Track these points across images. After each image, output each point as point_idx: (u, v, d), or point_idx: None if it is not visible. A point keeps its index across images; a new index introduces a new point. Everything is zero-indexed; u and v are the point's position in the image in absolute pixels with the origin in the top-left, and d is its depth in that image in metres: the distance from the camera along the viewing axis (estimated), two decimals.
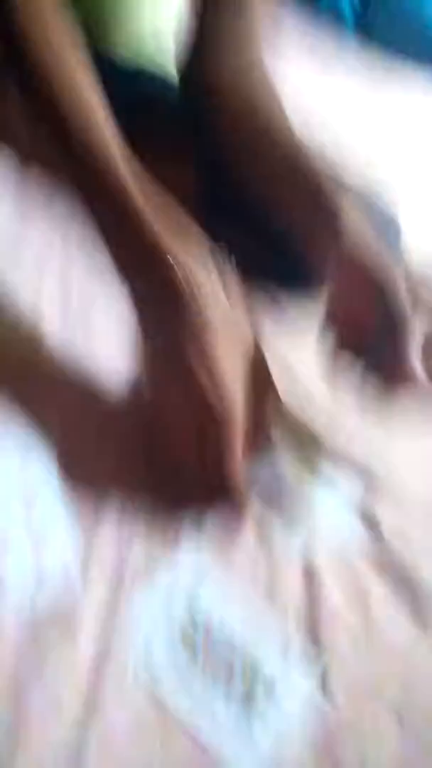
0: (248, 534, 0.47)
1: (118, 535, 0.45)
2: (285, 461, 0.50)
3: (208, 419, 0.44)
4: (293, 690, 0.40)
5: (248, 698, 0.39)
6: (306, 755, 0.38)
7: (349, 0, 1.23)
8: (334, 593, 0.44)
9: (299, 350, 0.55)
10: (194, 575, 0.44)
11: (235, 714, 0.39)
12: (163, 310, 0.45)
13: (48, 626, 0.40)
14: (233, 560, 0.45)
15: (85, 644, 0.40)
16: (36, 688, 0.37)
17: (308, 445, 0.51)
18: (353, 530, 0.48)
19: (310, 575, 0.45)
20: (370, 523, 0.49)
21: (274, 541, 0.47)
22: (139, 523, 0.46)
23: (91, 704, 0.37)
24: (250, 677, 0.40)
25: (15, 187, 0.66)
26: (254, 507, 0.47)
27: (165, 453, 0.47)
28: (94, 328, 0.55)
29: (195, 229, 0.48)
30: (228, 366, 0.45)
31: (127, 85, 0.72)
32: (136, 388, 0.50)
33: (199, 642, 0.41)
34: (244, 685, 0.40)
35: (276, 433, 0.50)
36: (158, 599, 0.43)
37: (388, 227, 0.60)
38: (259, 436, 0.47)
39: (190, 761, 0.37)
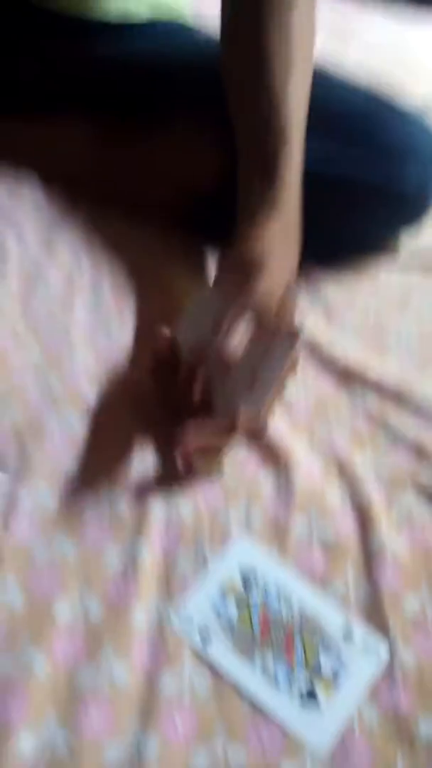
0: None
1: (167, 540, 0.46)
2: None
3: None
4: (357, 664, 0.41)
5: (312, 672, 0.40)
6: (375, 727, 0.38)
7: None
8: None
9: None
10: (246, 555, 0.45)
11: (299, 690, 0.39)
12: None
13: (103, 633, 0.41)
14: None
15: (139, 643, 0.41)
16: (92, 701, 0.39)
17: None
18: None
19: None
20: None
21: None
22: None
23: (149, 706, 0.39)
24: (312, 650, 0.41)
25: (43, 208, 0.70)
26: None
27: None
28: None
29: None
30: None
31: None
32: None
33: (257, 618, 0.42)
34: (306, 663, 0.40)
35: None
36: (212, 586, 0.44)
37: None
38: None
39: (256, 743, 0.38)
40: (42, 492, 0.48)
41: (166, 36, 0.79)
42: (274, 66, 0.57)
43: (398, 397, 0.58)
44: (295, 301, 0.58)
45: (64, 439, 0.51)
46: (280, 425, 0.55)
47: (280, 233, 0.56)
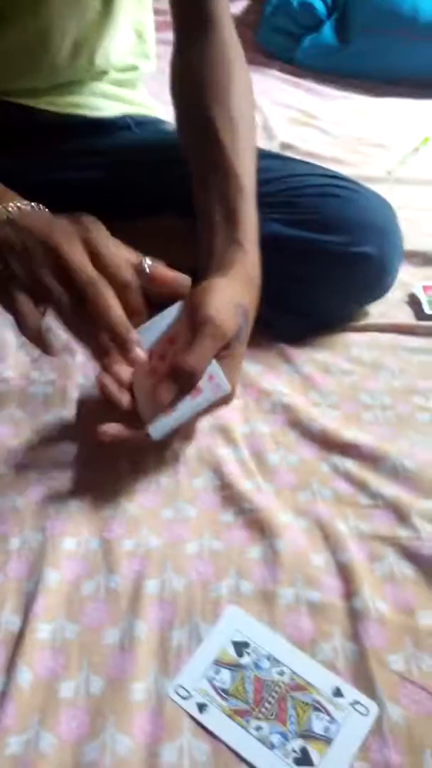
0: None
1: (161, 615, 0.49)
2: None
3: None
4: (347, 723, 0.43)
5: (304, 733, 0.42)
6: None
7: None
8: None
9: None
10: (238, 625, 0.48)
11: (293, 751, 0.41)
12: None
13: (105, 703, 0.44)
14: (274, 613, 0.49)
15: (139, 715, 0.43)
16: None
17: None
18: None
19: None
20: None
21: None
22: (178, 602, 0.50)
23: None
24: (304, 712, 0.43)
25: None
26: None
27: None
28: None
29: None
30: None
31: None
32: None
33: (250, 685, 0.45)
34: (299, 725, 0.43)
35: None
36: (206, 657, 0.46)
37: None
38: None
39: None
40: (51, 576, 0.51)
41: (141, 128, 0.87)
42: (223, 138, 0.65)
43: (375, 460, 0.61)
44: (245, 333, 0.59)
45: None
46: (264, 493, 0.58)
47: (244, 270, 0.60)
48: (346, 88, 1.55)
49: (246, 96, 0.70)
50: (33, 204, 0.56)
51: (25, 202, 0.56)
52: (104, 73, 0.85)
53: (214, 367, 0.54)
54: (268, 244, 0.71)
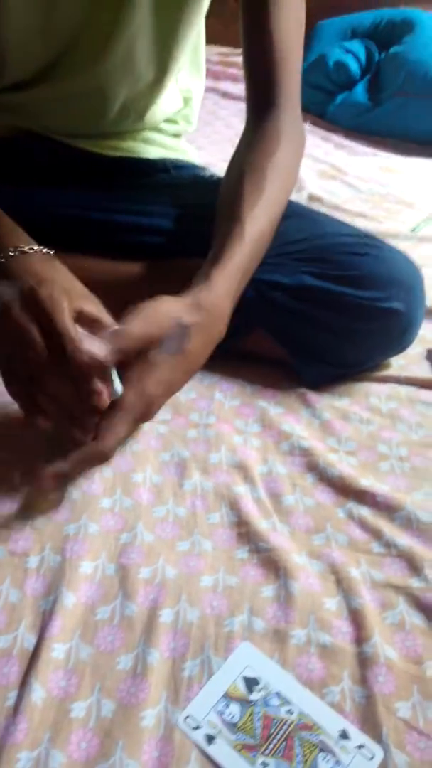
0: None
1: (175, 645, 0.50)
2: None
3: None
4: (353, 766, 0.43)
5: None
6: None
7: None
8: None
9: None
10: (250, 661, 0.49)
11: None
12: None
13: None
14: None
15: (149, 741, 0.44)
16: None
17: None
18: None
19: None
20: None
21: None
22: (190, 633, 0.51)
23: None
24: (311, 751, 0.44)
25: None
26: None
27: None
28: None
29: None
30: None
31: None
32: None
33: (258, 721, 0.45)
34: (305, 764, 0.43)
35: None
36: (217, 690, 0.47)
37: None
38: None
39: None
40: (68, 598, 0.52)
41: (179, 172, 0.90)
42: (244, 195, 0.69)
43: (390, 510, 0.63)
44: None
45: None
46: (279, 533, 0.60)
47: (199, 297, 0.63)
48: (375, 145, 1.60)
49: (283, 173, 0.73)
50: (37, 248, 0.61)
51: (29, 246, 0.61)
52: (149, 128, 0.89)
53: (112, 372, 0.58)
54: (297, 294, 0.74)
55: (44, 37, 0.73)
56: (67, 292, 0.57)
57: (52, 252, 0.62)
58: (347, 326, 0.74)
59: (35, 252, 0.60)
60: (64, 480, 0.61)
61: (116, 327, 0.57)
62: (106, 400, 0.58)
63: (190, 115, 0.95)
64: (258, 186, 0.70)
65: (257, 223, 0.68)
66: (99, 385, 0.57)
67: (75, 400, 0.57)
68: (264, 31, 0.75)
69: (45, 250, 0.61)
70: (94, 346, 0.55)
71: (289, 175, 0.75)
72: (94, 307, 0.59)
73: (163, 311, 0.60)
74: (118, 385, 0.57)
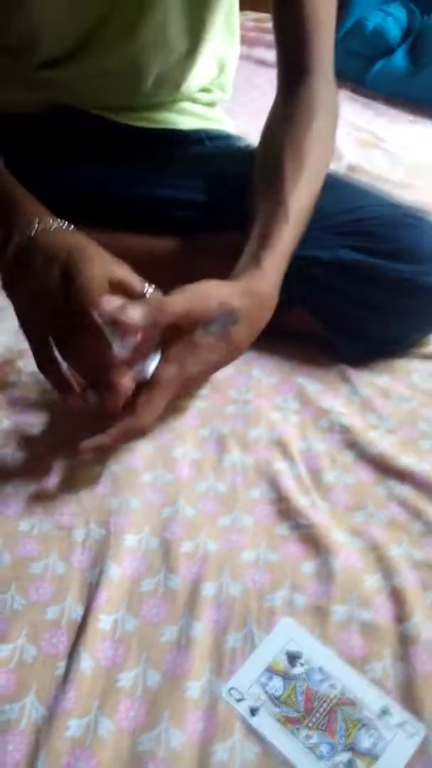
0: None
1: (217, 618, 0.51)
2: None
3: None
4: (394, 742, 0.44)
5: (352, 747, 0.44)
6: None
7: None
8: None
9: None
10: (292, 636, 0.50)
11: (341, 763, 0.43)
12: None
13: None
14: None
15: (193, 712, 0.45)
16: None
17: None
18: None
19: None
20: None
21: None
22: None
23: None
24: (353, 727, 0.45)
25: None
26: None
27: None
28: None
29: None
30: None
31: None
32: None
33: (301, 694, 0.46)
34: (347, 738, 0.44)
35: None
36: (260, 663, 0.48)
37: None
38: None
39: None
40: (113, 570, 0.53)
41: (214, 143, 0.89)
42: (285, 173, 0.68)
43: (431, 489, 0.62)
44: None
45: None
46: (319, 510, 0.60)
47: (250, 283, 0.62)
48: (415, 112, 1.56)
49: (321, 145, 0.72)
50: (58, 221, 0.61)
51: (51, 219, 0.61)
52: (183, 98, 0.88)
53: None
54: (337, 270, 0.72)
55: (75, 13, 0.73)
56: (98, 258, 0.58)
57: (72, 227, 0.62)
58: (386, 301, 0.73)
59: (61, 227, 0.61)
60: (104, 453, 0.62)
61: (159, 297, 0.57)
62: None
63: (225, 83, 0.94)
64: (299, 161, 0.69)
65: (300, 202, 0.67)
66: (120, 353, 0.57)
67: (99, 361, 0.57)
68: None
69: (69, 225, 0.62)
70: (134, 311, 0.55)
71: (327, 145, 0.74)
72: (124, 273, 0.59)
73: (212, 293, 0.59)
74: (150, 366, 0.58)
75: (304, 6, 0.73)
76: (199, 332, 0.59)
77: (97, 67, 0.78)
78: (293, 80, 0.75)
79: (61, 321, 0.57)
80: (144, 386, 0.59)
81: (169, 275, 0.82)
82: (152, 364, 0.59)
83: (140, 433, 0.59)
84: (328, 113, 0.74)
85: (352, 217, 0.75)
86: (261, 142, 0.76)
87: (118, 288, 0.58)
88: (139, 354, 0.58)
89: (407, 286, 0.72)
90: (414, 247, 0.72)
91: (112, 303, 0.56)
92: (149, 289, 0.59)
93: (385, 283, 0.72)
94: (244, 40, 1.91)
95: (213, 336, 0.59)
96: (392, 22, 1.62)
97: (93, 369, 0.59)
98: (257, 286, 0.62)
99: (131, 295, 0.58)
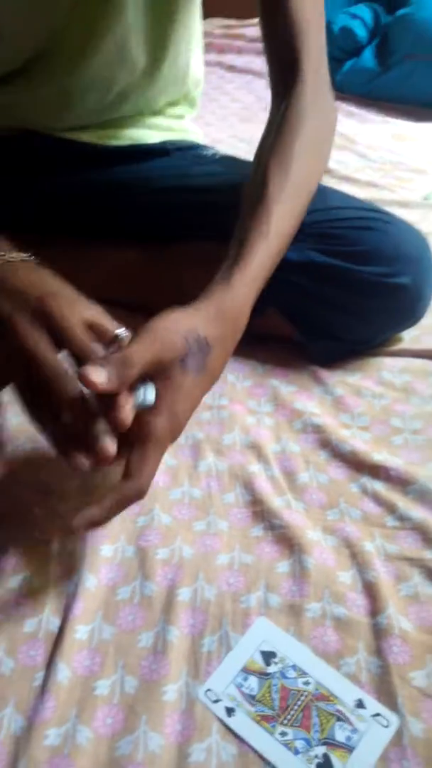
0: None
1: (193, 622, 0.52)
2: None
3: None
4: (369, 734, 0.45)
5: (327, 741, 0.44)
6: None
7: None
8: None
9: None
10: (266, 635, 0.50)
11: (316, 757, 0.44)
12: None
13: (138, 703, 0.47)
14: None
15: (171, 715, 0.46)
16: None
17: None
18: None
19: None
20: None
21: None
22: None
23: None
24: (327, 721, 0.45)
25: None
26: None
27: None
28: None
29: None
30: None
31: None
32: None
33: (276, 692, 0.47)
34: (322, 733, 0.45)
35: None
36: (235, 663, 0.49)
37: None
38: None
39: None
40: (90, 580, 0.54)
41: (180, 154, 0.90)
42: (270, 187, 0.64)
43: (404, 483, 0.63)
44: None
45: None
46: (294, 510, 0.61)
47: (217, 305, 0.58)
48: (386, 111, 1.57)
49: (310, 155, 0.69)
50: (22, 255, 0.57)
51: (14, 254, 0.57)
52: (149, 113, 0.89)
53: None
54: (304, 270, 0.73)
55: (31, 28, 0.72)
56: (73, 302, 0.54)
57: (33, 258, 0.59)
58: (355, 302, 0.74)
59: (23, 260, 0.57)
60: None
61: (121, 353, 0.51)
62: (127, 419, 0.51)
63: (194, 99, 0.95)
64: (284, 175, 0.65)
65: (283, 217, 0.64)
66: (123, 403, 0.51)
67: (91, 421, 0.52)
68: (281, 5, 0.71)
69: (30, 257, 0.58)
70: (98, 374, 0.49)
71: (318, 150, 0.70)
72: (97, 314, 0.56)
73: (178, 327, 0.55)
74: (149, 395, 0.53)
75: (291, 10, 0.71)
76: (177, 371, 0.54)
77: (57, 86, 0.79)
78: (282, 89, 0.73)
79: (36, 372, 0.52)
80: (136, 443, 0.53)
81: (143, 286, 0.84)
82: (147, 392, 0.53)
83: (140, 496, 0.52)
84: (319, 116, 0.71)
85: (320, 220, 0.75)
86: (255, 156, 0.73)
87: (91, 329, 0.55)
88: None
89: (374, 288, 0.73)
90: (378, 249, 0.73)
91: (97, 374, 0.49)
92: (122, 332, 0.56)
93: (352, 285, 0.73)
94: (213, 47, 1.93)
95: (192, 371, 0.55)
96: (358, 23, 1.64)
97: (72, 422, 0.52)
98: (225, 305, 0.59)
99: (104, 337, 0.56)
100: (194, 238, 0.80)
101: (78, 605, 0.52)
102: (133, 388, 0.53)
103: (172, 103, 0.92)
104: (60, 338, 0.52)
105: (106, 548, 0.57)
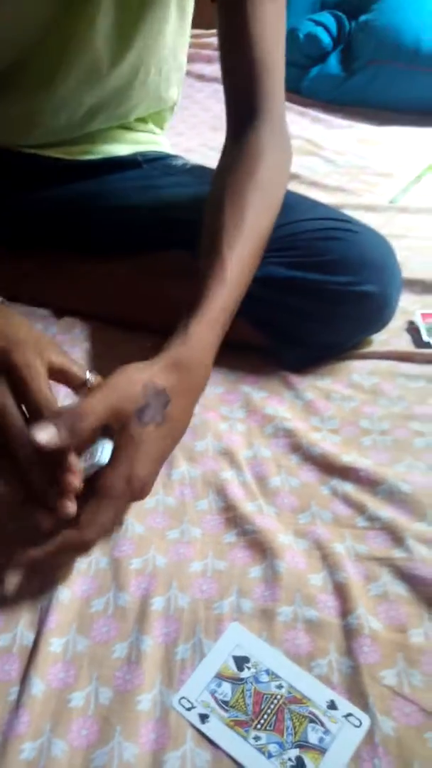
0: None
1: (167, 630, 0.53)
2: None
3: None
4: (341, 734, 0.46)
5: (300, 743, 0.45)
6: None
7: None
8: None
9: None
10: (239, 641, 0.51)
11: (289, 760, 0.44)
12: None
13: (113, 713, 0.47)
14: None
15: (145, 724, 0.46)
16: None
17: None
18: None
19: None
20: None
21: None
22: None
23: None
24: (300, 723, 0.46)
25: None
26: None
27: None
28: None
29: None
30: None
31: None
32: None
33: (250, 697, 0.47)
34: (295, 736, 0.46)
35: None
36: (209, 670, 0.49)
37: None
38: None
39: None
40: (64, 593, 0.54)
41: (150, 166, 0.90)
42: (225, 230, 0.64)
43: (373, 484, 0.64)
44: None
45: None
46: (266, 515, 0.61)
47: (175, 355, 0.58)
48: (351, 117, 1.59)
49: (266, 196, 0.68)
50: None
51: None
52: (118, 127, 0.89)
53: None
54: (267, 285, 0.73)
55: (9, 37, 0.72)
56: (38, 350, 0.54)
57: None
58: (321, 311, 0.75)
59: None
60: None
61: (74, 407, 0.51)
62: (74, 483, 0.51)
63: (163, 120, 0.95)
64: (239, 213, 0.65)
65: (239, 259, 0.63)
66: (72, 465, 0.51)
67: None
68: (242, 36, 0.70)
69: None
70: (45, 432, 0.48)
71: (273, 194, 0.70)
72: (61, 357, 0.56)
73: (134, 378, 0.54)
74: (101, 455, 0.52)
75: (253, 49, 0.70)
76: (135, 424, 0.53)
77: (21, 106, 0.79)
78: (241, 125, 0.72)
79: (18, 438, 0.52)
80: (90, 497, 0.52)
81: (123, 299, 0.84)
82: (107, 450, 0.53)
83: (83, 548, 0.53)
84: (275, 158, 0.71)
85: (283, 232, 0.74)
86: (208, 197, 0.72)
87: (59, 375, 0.56)
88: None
89: (340, 297, 0.74)
90: (344, 258, 0.74)
91: (44, 431, 0.49)
92: (91, 377, 0.57)
93: (318, 295, 0.74)
94: None
95: (151, 424, 0.54)
96: (323, 30, 1.66)
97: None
98: (182, 355, 0.58)
99: (72, 383, 0.57)
100: (168, 249, 0.81)
101: (52, 618, 0.52)
102: (87, 446, 0.52)
103: (142, 120, 0.92)
104: (20, 391, 0.52)
105: (81, 560, 0.57)
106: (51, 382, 0.56)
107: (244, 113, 0.73)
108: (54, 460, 0.51)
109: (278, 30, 0.72)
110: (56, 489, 0.51)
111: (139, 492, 0.54)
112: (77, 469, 0.52)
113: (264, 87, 0.72)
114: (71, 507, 0.50)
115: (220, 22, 0.72)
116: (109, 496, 0.52)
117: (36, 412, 0.52)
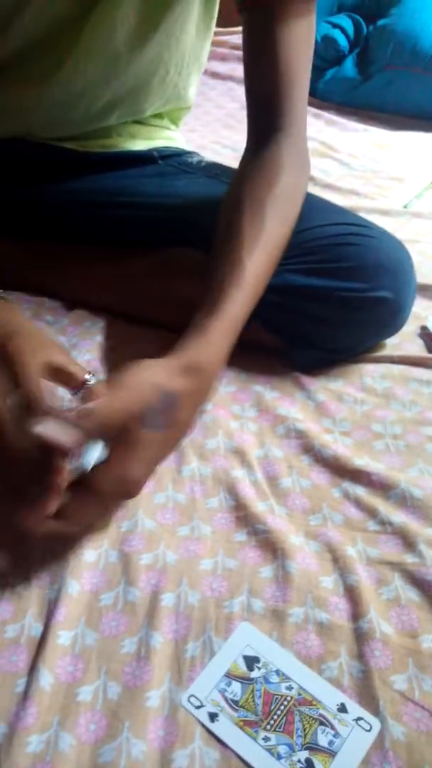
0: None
1: (177, 627, 0.52)
2: None
3: None
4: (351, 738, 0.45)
5: (310, 745, 0.45)
6: None
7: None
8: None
9: None
10: (249, 640, 0.50)
11: (299, 762, 0.44)
12: None
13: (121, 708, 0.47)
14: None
15: (154, 721, 0.46)
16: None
17: None
18: None
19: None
20: None
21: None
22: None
23: None
24: (310, 725, 0.46)
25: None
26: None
27: None
28: None
29: None
30: None
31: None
32: None
33: (259, 698, 0.47)
34: (305, 738, 0.45)
35: None
36: (218, 669, 0.49)
37: None
38: None
39: None
40: (73, 586, 0.54)
41: (166, 162, 0.90)
42: (244, 236, 0.64)
43: (385, 488, 0.64)
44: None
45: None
46: (277, 515, 0.61)
47: (190, 357, 0.56)
48: (366, 120, 1.59)
49: (284, 209, 0.68)
50: None
51: None
52: (133, 122, 0.89)
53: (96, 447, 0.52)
54: (283, 292, 0.73)
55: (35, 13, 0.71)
56: (38, 345, 0.54)
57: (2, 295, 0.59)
58: (336, 316, 0.74)
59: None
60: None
61: (86, 406, 0.49)
62: (60, 485, 0.50)
63: (180, 115, 0.95)
64: (258, 223, 0.64)
65: (257, 266, 0.63)
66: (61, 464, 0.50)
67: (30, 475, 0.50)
68: (269, 50, 0.69)
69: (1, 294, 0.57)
70: (58, 430, 0.47)
71: (290, 208, 0.69)
72: (63, 357, 0.55)
73: (148, 380, 0.52)
74: (88, 458, 0.51)
75: (280, 61, 0.69)
76: (139, 426, 0.51)
77: (38, 98, 0.78)
78: (262, 135, 0.72)
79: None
80: (79, 490, 0.51)
81: (134, 293, 0.84)
82: (94, 454, 0.52)
83: (65, 540, 0.53)
84: (294, 172, 0.70)
85: (298, 238, 0.73)
86: (224, 201, 0.71)
87: (59, 375, 0.55)
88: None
89: (355, 302, 0.74)
90: (359, 264, 0.74)
91: (58, 429, 0.48)
92: (90, 378, 0.56)
93: (334, 301, 0.74)
94: None
95: (152, 428, 0.52)
96: (340, 33, 1.65)
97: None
98: (201, 358, 0.57)
99: (71, 383, 0.56)
100: (180, 247, 0.81)
101: (61, 611, 0.52)
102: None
103: (158, 116, 0.92)
104: (15, 383, 0.51)
105: (90, 553, 0.57)
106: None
107: (266, 127, 0.72)
108: (43, 458, 0.49)
109: (307, 39, 0.71)
110: (39, 487, 0.49)
111: (129, 493, 0.53)
112: (65, 471, 0.50)
113: (289, 98, 0.71)
114: (53, 505, 0.49)
115: (246, 28, 0.71)
116: (98, 493, 0.51)
117: (28, 406, 0.51)
